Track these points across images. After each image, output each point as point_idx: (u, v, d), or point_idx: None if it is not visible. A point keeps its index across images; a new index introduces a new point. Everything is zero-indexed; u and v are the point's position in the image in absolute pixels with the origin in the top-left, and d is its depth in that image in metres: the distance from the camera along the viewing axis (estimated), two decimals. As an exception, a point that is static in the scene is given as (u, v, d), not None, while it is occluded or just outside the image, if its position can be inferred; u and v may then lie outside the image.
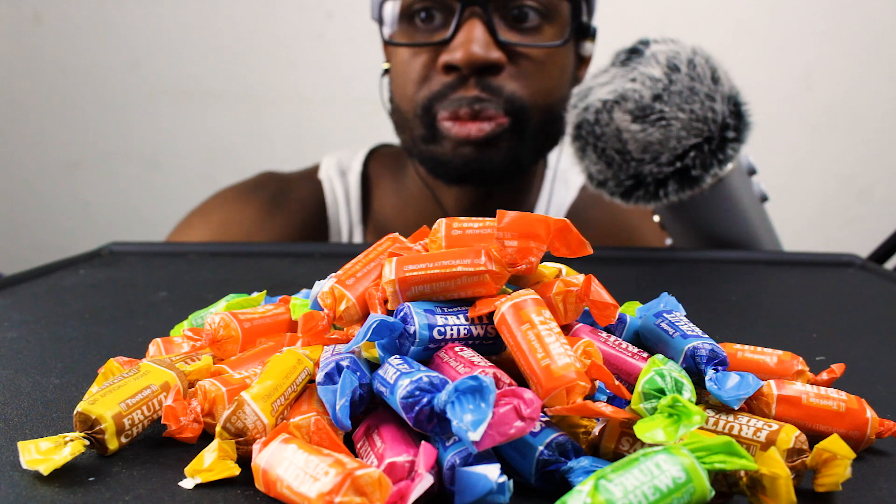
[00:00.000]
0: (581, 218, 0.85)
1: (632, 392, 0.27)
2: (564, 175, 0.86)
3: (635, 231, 0.84)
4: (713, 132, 0.61)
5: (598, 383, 0.27)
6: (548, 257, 0.33)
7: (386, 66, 0.78)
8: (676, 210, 0.68)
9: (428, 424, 0.24)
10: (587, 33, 0.75)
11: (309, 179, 0.87)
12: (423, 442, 0.24)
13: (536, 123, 0.71)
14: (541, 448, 0.25)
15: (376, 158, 0.88)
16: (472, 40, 0.66)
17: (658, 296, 0.36)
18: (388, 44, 0.73)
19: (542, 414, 0.26)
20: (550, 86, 0.72)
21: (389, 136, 0.83)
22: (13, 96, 1.69)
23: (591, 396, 0.28)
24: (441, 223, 0.32)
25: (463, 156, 0.70)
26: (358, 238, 0.84)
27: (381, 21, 0.73)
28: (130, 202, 1.70)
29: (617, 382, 0.27)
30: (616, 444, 0.26)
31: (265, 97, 1.50)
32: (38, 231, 1.75)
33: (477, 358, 0.27)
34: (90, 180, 1.72)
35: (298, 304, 0.36)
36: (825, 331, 0.47)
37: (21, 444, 0.26)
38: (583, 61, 0.78)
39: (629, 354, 0.31)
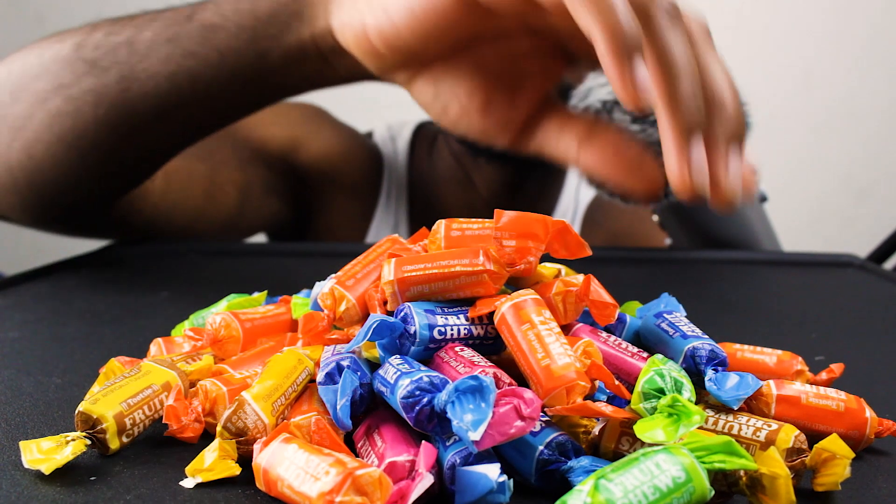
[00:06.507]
0: (593, 220, 0.87)
1: (631, 392, 0.27)
2: None
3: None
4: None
5: (598, 383, 0.27)
6: (546, 258, 0.33)
7: None
8: (675, 210, 0.68)
9: (428, 424, 0.24)
10: None
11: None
12: (423, 441, 0.24)
13: None
14: (541, 448, 0.25)
15: (422, 132, 0.92)
16: None
17: (658, 296, 0.36)
18: None
19: (542, 414, 0.26)
20: None
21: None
22: (13, 97, 1.69)
23: (590, 396, 0.28)
24: (440, 224, 0.32)
25: None
26: (401, 202, 0.87)
27: None
28: (131, 202, 1.70)
29: (617, 382, 0.27)
30: (616, 444, 0.26)
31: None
32: (39, 232, 1.75)
33: (477, 358, 0.27)
34: (90, 180, 1.71)
35: (299, 304, 0.36)
36: (824, 331, 0.47)
37: (22, 444, 0.26)
38: None
39: (629, 354, 0.31)
